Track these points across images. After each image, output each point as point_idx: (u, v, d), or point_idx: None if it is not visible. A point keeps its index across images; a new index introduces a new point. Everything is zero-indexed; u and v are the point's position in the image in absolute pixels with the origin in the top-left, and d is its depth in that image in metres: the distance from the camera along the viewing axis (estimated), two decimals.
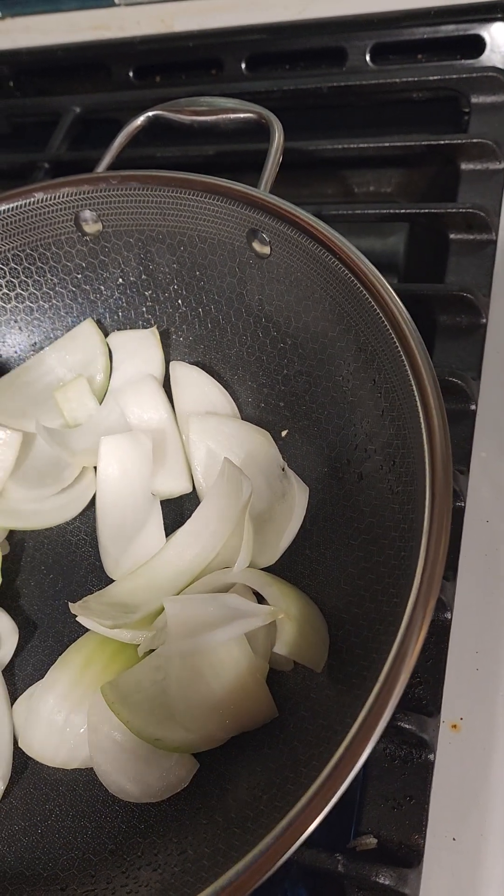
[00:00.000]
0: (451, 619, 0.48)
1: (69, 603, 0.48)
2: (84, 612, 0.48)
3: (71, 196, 0.57)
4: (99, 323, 0.61)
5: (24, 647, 0.53)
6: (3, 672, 0.51)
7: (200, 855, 0.38)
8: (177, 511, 0.56)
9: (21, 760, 0.48)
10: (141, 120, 0.59)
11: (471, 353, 0.58)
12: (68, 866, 0.44)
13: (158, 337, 0.59)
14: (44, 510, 0.57)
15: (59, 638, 0.53)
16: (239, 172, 0.61)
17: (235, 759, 0.44)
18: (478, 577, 0.49)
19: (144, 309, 0.60)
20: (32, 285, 0.61)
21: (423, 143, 0.67)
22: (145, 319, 0.61)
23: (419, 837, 0.42)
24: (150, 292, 0.59)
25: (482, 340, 0.58)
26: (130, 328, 0.61)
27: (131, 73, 0.85)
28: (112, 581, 0.52)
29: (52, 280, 0.60)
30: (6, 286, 0.61)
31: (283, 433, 0.55)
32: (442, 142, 0.66)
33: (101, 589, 0.51)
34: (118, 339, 0.61)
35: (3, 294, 0.61)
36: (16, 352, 0.63)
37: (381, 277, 0.45)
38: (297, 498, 0.49)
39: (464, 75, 0.70)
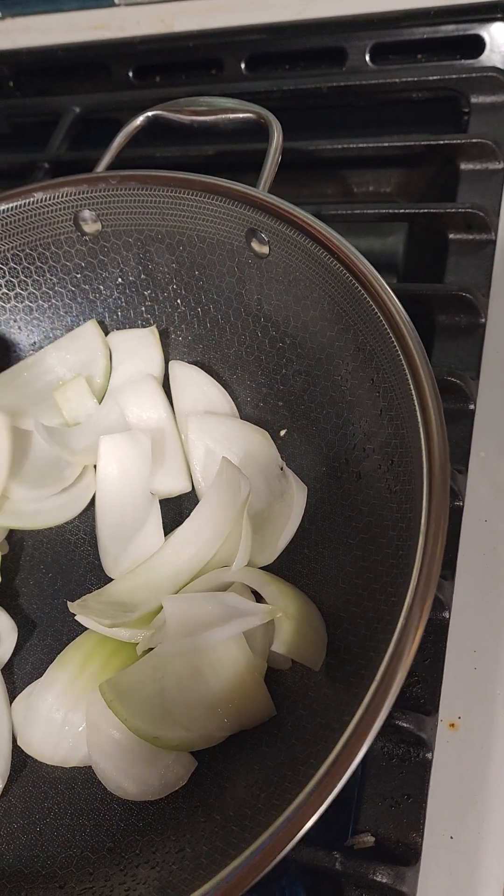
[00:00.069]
0: (449, 618, 0.48)
1: (68, 602, 0.49)
2: (83, 610, 0.48)
3: (70, 196, 0.57)
4: (99, 323, 0.61)
5: (23, 646, 0.53)
6: (2, 670, 0.52)
7: (198, 853, 0.39)
8: (176, 510, 0.56)
9: (20, 758, 0.48)
10: (140, 120, 0.59)
11: (470, 352, 0.58)
12: (67, 864, 0.44)
13: (158, 336, 0.59)
14: (45, 510, 0.57)
15: (57, 636, 0.53)
16: (238, 172, 0.61)
17: (233, 757, 0.44)
18: (476, 577, 0.49)
19: (143, 308, 0.60)
20: (32, 285, 0.61)
21: (422, 143, 0.67)
22: (144, 319, 0.61)
23: (417, 836, 0.42)
24: (149, 292, 0.60)
25: (481, 340, 0.58)
26: (130, 328, 0.61)
27: (131, 73, 0.85)
28: (111, 580, 0.52)
29: (51, 280, 0.61)
30: (6, 286, 0.61)
31: (282, 432, 0.55)
32: (441, 142, 0.67)
33: (99, 588, 0.51)
34: (117, 338, 0.61)
35: (2, 294, 0.61)
36: (15, 352, 0.63)
37: (380, 277, 0.45)
38: (296, 497, 0.50)
39: (463, 75, 0.70)
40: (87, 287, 0.61)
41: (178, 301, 0.59)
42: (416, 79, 0.72)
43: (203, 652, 0.44)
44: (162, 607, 0.46)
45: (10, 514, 0.57)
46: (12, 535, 0.58)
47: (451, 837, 0.43)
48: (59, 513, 0.57)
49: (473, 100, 0.70)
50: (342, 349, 0.49)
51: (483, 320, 0.59)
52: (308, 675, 0.44)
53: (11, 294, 0.61)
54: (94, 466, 0.57)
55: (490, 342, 0.58)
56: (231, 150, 0.74)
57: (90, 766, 0.45)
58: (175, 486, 0.55)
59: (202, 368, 0.58)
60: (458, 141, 0.66)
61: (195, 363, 0.59)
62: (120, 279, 0.60)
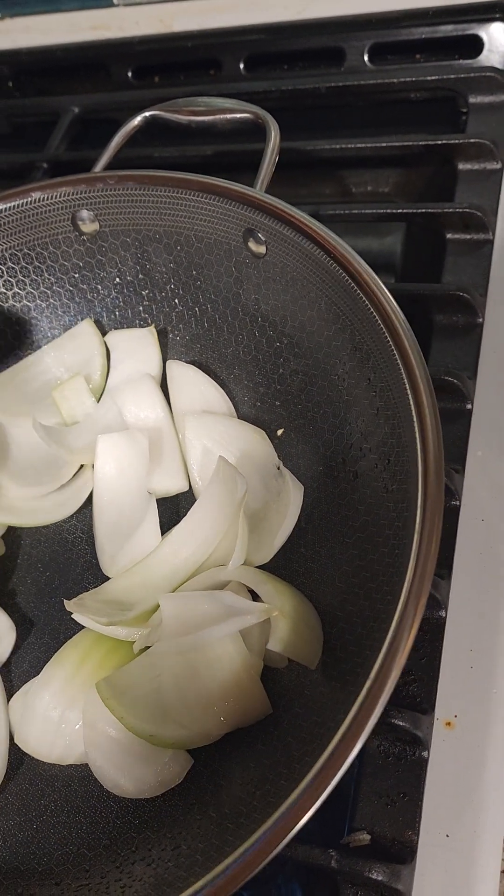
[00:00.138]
0: (445, 617, 0.48)
1: (65, 600, 0.49)
2: (80, 609, 0.48)
3: (68, 196, 0.57)
4: (97, 322, 0.62)
5: (21, 644, 0.53)
6: None
7: (194, 850, 0.39)
8: (173, 509, 0.56)
9: (17, 756, 0.48)
10: (138, 120, 0.59)
11: (467, 352, 0.58)
12: (63, 861, 0.44)
13: (156, 336, 0.59)
14: (42, 507, 0.57)
15: (55, 635, 0.53)
16: (236, 172, 0.61)
17: (229, 755, 0.44)
18: (472, 576, 0.50)
19: (141, 308, 0.60)
20: (30, 284, 0.61)
21: (420, 143, 0.67)
22: (142, 319, 0.61)
23: (412, 834, 0.42)
24: (146, 292, 0.60)
25: (478, 340, 0.58)
26: (128, 327, 0.61)
27: (130, 74, 0.86)
28: (108, 578, 0.52)
29: (49, 279, 0.61)
30: (3, 286, 0.61)
31: (279, 432, 0.55)
32: (439, 142, 0.67)
33: (96, 586, 0.51)
34: (116, 338, 0.61)
35: (0, 294, 0.61)
36: (14, 351, 0.63)
37: (376, 277, 0.45)
38: (292, 496, 0.50)
39: (462, 75, 0.70)
40: (84, 287, 0.61)
41: (176, 301, 0.59)
42: (414, 79, 0.72)
43: (200, 650, 0.44)
44: (159, 606, 0.46)
45: (5, 510, 0.57)
46: (10, 533, 0.58)
47: (447, 835, 0.43)
48: (56, 510, 0.57)
49: (472, 100, 0.70)
50: (339, 349, 0.49)
51: (480, 320, 0.59)
52: (304, 673, 0.45)
53: (9, 294, 0.61)
54: (92, 465, 0.57)
55: (487, 342, 0.58)
56: (229, 151, 0.75)
57: (87, 764, 0.46)
58: (172, 485, 0.56)
59: (200, 368, 0.58)
60: (456, 141, 0.66)
61: (193, 363, 0.59)
62: (118, 279, 0.60)
